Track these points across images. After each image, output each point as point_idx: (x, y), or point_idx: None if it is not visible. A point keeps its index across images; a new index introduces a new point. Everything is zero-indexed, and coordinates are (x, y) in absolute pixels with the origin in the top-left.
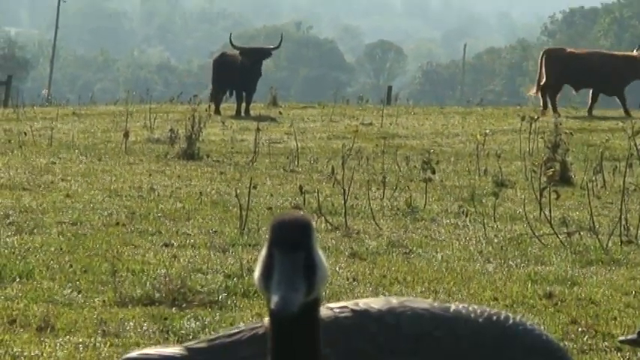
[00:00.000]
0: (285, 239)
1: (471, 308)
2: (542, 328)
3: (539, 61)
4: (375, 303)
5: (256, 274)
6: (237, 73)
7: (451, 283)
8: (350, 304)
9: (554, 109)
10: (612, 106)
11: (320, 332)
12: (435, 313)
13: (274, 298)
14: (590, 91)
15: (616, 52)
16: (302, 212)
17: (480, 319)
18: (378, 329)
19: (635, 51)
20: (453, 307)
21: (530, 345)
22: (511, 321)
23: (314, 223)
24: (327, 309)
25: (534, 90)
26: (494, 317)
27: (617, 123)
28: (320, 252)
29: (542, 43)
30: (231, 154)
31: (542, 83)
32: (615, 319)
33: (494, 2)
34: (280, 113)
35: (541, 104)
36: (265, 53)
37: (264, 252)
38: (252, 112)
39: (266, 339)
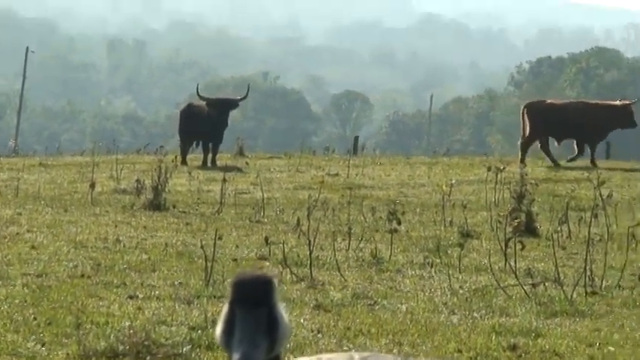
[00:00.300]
0: (246, 297)
1: None
2: None
3: (521, 115)
4: (337, 358)
5: (217, 330)
6: (203, 124)
7: (415, 335)
8: (313, 359)
9: (522, 160)
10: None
11: None
12: None
13: (235, 356)
14: (575, 142)
15: (598, 102)
16: (264, 269)
17: None
18: None
19: (618, 101)
20: None
21: None
22: None
23: (276, 281)
24: None
25: (520, 141)
26: None
27: (583, 173)
28: (282, 309)
29: (509, 93)
30: (197, 204)
31: (527, 136)
32: None
33: (461, 53)
34: (247, 164)
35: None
36: (232, 104)
37: (225, 309)
38: (218, 163)
39: None
